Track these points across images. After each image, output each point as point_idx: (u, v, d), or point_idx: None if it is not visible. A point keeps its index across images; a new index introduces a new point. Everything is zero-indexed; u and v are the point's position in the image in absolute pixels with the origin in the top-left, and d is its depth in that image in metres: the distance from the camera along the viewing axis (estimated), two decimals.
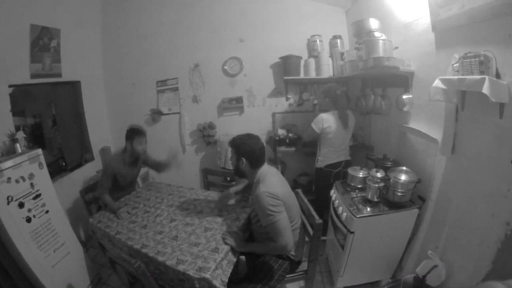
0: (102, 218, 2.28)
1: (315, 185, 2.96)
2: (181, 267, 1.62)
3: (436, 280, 1.83)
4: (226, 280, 1.68)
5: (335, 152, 2.72)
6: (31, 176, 2.12)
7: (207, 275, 1.55)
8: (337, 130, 2.63)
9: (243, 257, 1.97)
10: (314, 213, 1.96)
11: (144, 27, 3.69)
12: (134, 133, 2.59)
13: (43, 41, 2.79)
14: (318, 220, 1.86)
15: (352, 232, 2.03)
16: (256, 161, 1.85)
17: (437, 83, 1.67)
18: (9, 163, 1.96)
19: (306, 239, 2.05)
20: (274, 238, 1.70)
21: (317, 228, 1.85)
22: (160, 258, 1.71)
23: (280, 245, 1.69)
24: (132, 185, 2.87)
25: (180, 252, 1.76)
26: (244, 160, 1.83)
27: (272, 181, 1.78)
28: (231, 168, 2.11)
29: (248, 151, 1.82)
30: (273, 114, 3.66)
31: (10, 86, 2.53)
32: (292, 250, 1.85)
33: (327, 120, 2.60)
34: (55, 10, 2.93)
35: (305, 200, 2.17)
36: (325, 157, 2.74)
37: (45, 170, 2.27)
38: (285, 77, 3.46)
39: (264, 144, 1.94)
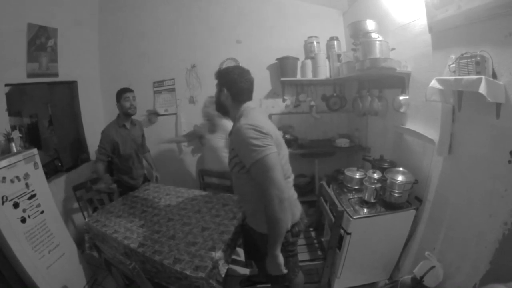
0: (100, 218, 2.27)
1: None
2: (178, 266, 1.61)
3: (433, 281, 1.83)
4: (221, 280, 1.67)
5: None
6: (26, 176, 2.10)
7: (204, 275, 1.54)
8: None
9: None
10: (336, 201, 1.99)
11: (142, 28, 3.68)
12: (120, 93, 2.71)
13: (40, 41, 2.77)
14: (340, 207, 1.88)
15: (349, 233, 2.03)
16: (238, 94, 1.55)
17: (434, 83, 1.68)
18: (3, 162, 1.94)
19: None
20: (263, 185, 1.32)
21: (339, 216, 1.86)
22: (157, 258, 1.70)
23: (272, 195, 1.29)
24: (136, 156, 2.86)
25: (177, 251, 1.76)
26: (225, 90, 1.56)
27: (256, 115, 1.48)
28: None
29: (230, 80, 1.55)
30: (270, 116, 3.66)
31: (6, 85, 2.51)
32: (292, 213, 1.52)
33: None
34: (53, 9, 2.91)
35: (328, 189, 2.21)
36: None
37: (40, 170, 2.25)
38: (282, 78, 3.46)
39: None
